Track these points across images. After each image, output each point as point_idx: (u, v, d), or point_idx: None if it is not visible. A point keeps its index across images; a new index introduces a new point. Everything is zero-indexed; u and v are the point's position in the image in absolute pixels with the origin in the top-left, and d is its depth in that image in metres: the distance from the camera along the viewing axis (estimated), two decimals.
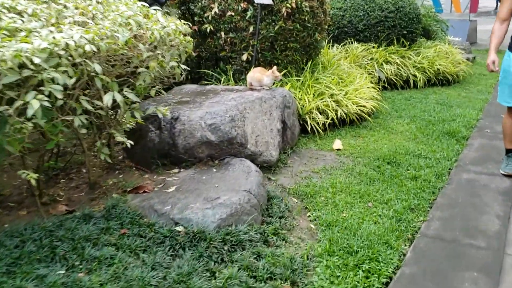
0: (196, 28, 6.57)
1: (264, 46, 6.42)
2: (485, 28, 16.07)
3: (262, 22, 6.35)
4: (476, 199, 4.48)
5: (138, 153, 4.71)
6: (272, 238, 3.57)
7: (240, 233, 3.40)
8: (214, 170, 4.49)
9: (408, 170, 5.19)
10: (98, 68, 3.26)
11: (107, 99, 3.43)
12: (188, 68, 4.51)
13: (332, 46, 9.30)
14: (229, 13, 6.34)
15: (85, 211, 3.53)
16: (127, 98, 3.68)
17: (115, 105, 3.78)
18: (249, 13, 6.28)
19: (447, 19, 12.23)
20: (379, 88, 8.35)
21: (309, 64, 6.94)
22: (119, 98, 3.49)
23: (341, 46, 9.28)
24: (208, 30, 6.41)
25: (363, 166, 5.27)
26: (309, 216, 4.10)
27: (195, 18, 6.59)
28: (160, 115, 4.39)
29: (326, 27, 7.24)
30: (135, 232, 3.36)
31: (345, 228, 3.80)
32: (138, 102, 4.03)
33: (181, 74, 4.38)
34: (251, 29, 6.33)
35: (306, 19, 6.50)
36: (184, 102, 5.05)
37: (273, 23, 6.36)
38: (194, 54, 6.65)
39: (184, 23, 4.40)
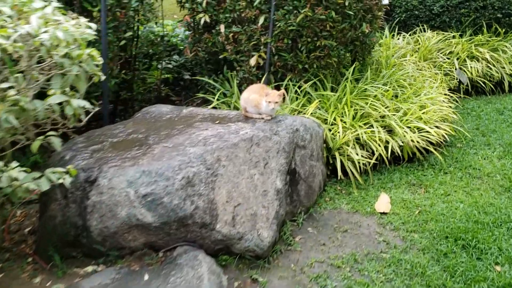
0: (189, 19, 4.63)
1: (282, 44, 4.36)
2: None
3: (279, 10, 4.29)
4: None
5: (40, 234, 2.93)
6: None
7: None
8: (146, 277, 2.60)
9: (497, 263, 3.05)
10: None
11: None
12: (91, 107, 2.58)
13: (398, 35, 6.98)
14: None
15: None
16: None
17: None
18: None
19: None
20: (459, 96, 5.99)
21: (350, 69, 4.77)
22: None
23: (410, 36, 6.93)
24: (202, 22, 4.45)
25: (419, 253, 3.17)
26: None
27: (187, 5, 4.64)
28: (63, 180, 2.57)
29: (381, 13, 5.00)
30: None
31: None
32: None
33: (82, 116, 2.50)
34: (261, 20, 4.29)
35: (347, 3, 4.34)
36: (124, 144, 3.17)
37: (295, 11, 4.27)
38: (189, 54, 4.73)
39: (86, 24, 2.48)
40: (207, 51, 4.67)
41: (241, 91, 4.40)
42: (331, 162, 4.06)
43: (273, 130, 3.33)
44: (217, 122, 3.45)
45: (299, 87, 4.50)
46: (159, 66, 5.45)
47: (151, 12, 4.73)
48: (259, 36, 4.36)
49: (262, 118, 3.46)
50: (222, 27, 4.40)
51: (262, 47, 4.40)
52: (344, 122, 4.22)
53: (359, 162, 3.98)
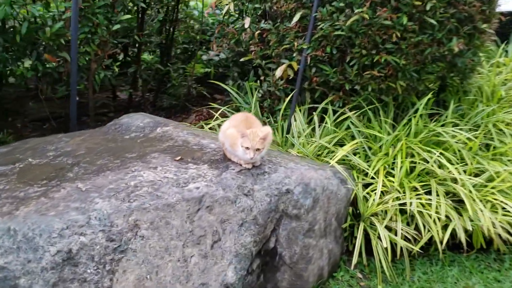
0: (214, 5, 3.58)
1: (324, 54, 3.12)
2: None
3: (324, 6, 3.06)
4: None
5: None
6: None
7: None
8: None
9: None
10: None
11: None
12: None
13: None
14: None
15: None
16: None
17: None
18: None
19: None
20: None
21: (424, 99, 3.37)
22: None
23: None
24: (225, 10, 3.36)
25: None
26: None
27: None
28: None
29: (487, 25, 3.48)
30: None
31: None
32: None
33: None
34: (297, 16, 3.10)
35: (428, 7, 2.97)
36: (37, 172, 2.26)
37: (347, 10, 3.01)
38: (215, 50, 3.70)
39: None
40: (232, 48, 3.58)
41: (261, 108, 3.28)
42: (356, 234, 2.79)
43: (244, 189, 2.19)
44: (178, 158, 2.38)
45: (343, 114, 3.25)
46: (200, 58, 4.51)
47: None
48: (293, 38, 3.16)
49: (240, 165, 2.32)
50: (247, 21, 3.26)
51: (296, 54, 3.20)
52: (392, 178, 2.90)
53: (395, 244, 2.67)
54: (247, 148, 2.19)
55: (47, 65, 3.14)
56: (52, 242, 1.82)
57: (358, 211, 2.80)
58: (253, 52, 3.35)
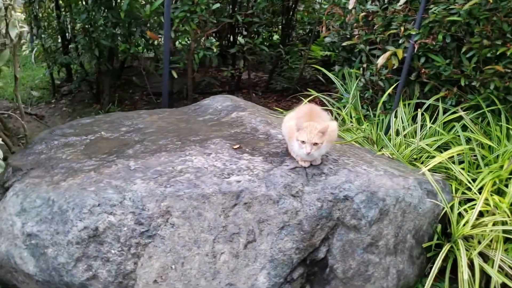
0: None
1: (435, 43, 2.67)
2: None
3: None
4: None
5: None
6: None
7: None
8: None
9: None
10: None
11: None
12: None
13: None
14: None
15: None
16: None
17: None
18: None
19: None
20: None
21: None
22: None
23: None
24: None
25: None
26: None
27: None
28: None
29: None
30: None
31: None
32: None
33: None
34: None
35: None
36: (103, 146, 2.33)
37: None
38: (323, 32, 3.46)
39: None
40: (337, 32, 3.27)
41: (362, 99, 2.97)
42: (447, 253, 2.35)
43: (291, 189, 1.96)
44: (237, 146, 2.24)
45: (454, 113, 2.77)
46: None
47: None
48: (400, 22, 2.75)
49: (297, 163, 2.09)
50: (351, 2, 2.93)
51: (403, 41, 2.78)
52: (500, 197, 2.37)
53: (490, 277, 2.18)
54: (303, 142, 1.94)
55: (150, 41, 3.23)
56: (81, 217, 1.84)
57: (447, 231, 2.35)
58: (356, 36, 3.01)
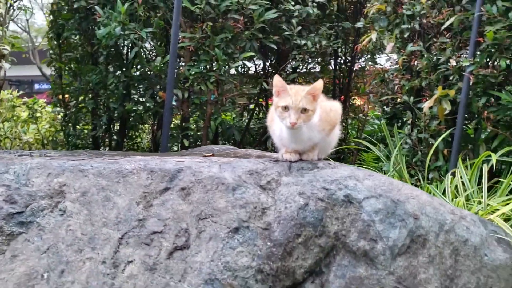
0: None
1: (497, 72, 2.03)
2: None
3: (494, 1, 2.06)
4: None
5: None
6: None
7: None
8: None
9: None
10: None
11: None
12: None
13: None
14: None
15: None
16: None
17: None
18: None
19: None
20: None
21: None
22: None
23: None
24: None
25: None
26: None
27: None
28: None
29: None
30: None
31: None
32: None
33: None
34: (451, 20, 2.15)
35: None
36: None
37: None
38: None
39: None
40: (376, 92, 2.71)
41: (409, 165, 2.27)
42: None
43: (260, 177, 1.25)
44: (210, 154, 1.59)
45: None
46: None
47: None
48: (450, 56, 2.17)
49: (279, 160, 1.38)
50: (389, 46, 2.42)
51: (454, 77, 2.16)
52: None
53: None
54: (285, 108, 1.26)
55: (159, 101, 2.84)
56: None
57: None
58: (396, 87, 2.42)
